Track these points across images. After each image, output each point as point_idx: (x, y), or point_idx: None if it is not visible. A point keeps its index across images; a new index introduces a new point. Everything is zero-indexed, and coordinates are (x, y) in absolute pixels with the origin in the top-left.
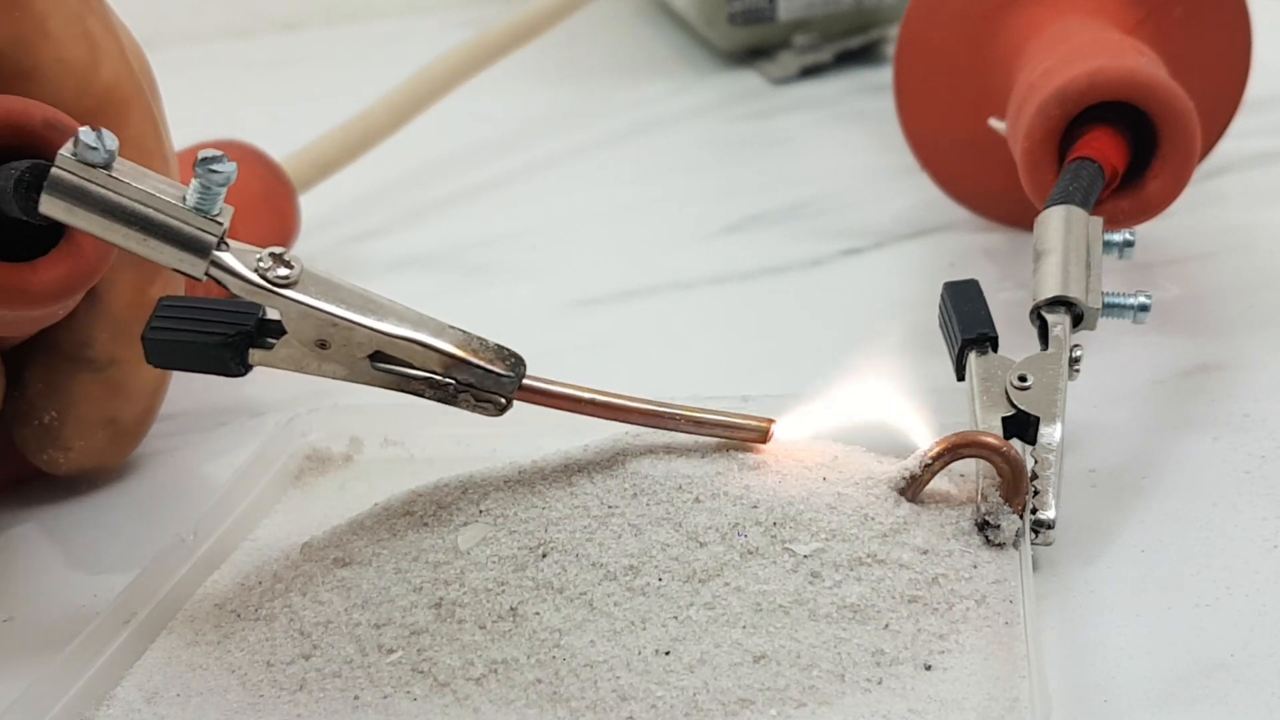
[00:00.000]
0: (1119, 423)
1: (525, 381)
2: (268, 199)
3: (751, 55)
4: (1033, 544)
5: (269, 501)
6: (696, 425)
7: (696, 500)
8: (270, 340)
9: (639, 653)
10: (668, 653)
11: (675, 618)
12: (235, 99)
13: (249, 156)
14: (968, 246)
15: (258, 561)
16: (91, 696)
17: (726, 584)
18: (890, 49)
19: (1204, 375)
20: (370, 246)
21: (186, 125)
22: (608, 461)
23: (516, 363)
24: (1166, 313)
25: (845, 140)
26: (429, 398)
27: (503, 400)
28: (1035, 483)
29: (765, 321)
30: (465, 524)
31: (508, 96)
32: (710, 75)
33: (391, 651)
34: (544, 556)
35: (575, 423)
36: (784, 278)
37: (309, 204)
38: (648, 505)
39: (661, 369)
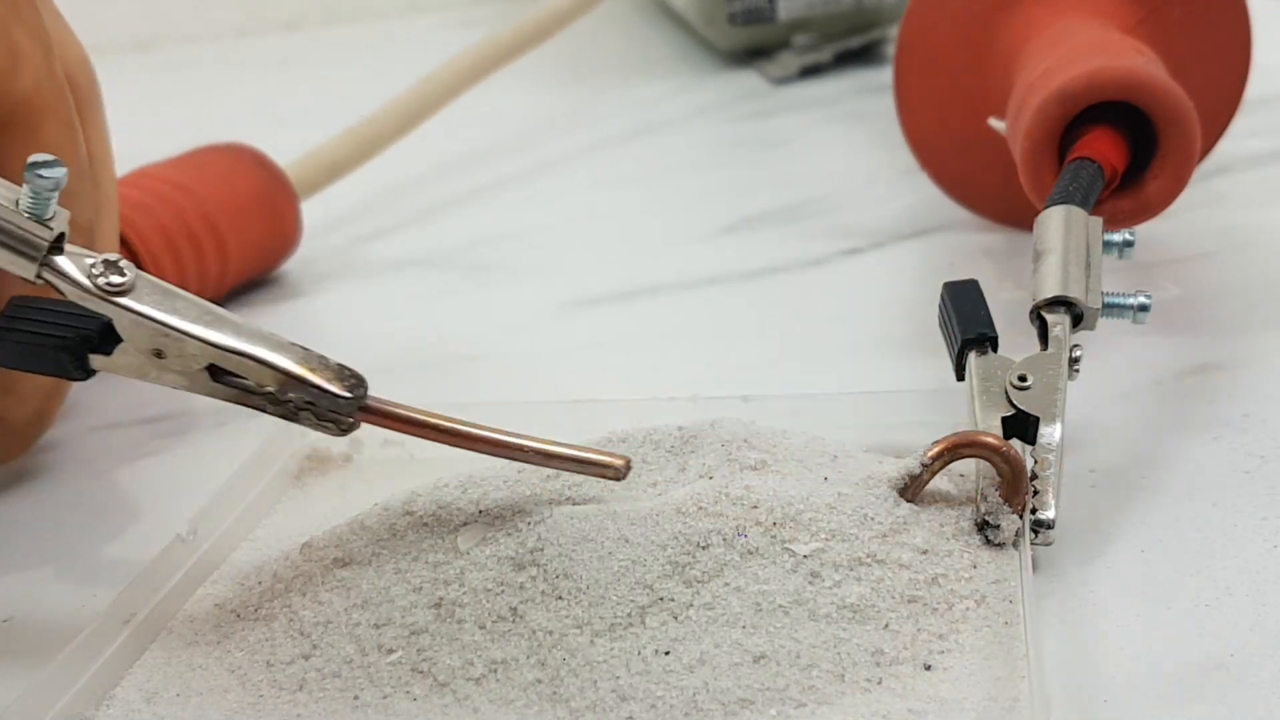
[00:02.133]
0: (1119, 423)
1: (368, 403)
2: (263, 201)
3: (751, 55)
4: (1032, 544)
5: (269, 501)
6: (545, 458)
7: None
8: (112, 346)
9: (639, 653)
10: (667, 653)
11: (675, 618)
12: (235, 99)
13: (245, 158)
14: (968, 246)
15: (258, 561)
16: (91, 696)
17: (726, 584)
18: (890, 49)
19: (1204, 375)
20: (371, 247)
21: (186, 125)
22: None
23: (356, 384)
24: (1166, 313)
25: (845, 140)
26: (271, 413)
27: (347, 420)
28: (1035, 483)
29: (765, 321)
30: (465, 524)
31: (508, 97)
32: (710, 75)
33: (391, 651)
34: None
35: (575, 422)
36: (784, 278)
37: (311, 205)
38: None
39: (661, 369)
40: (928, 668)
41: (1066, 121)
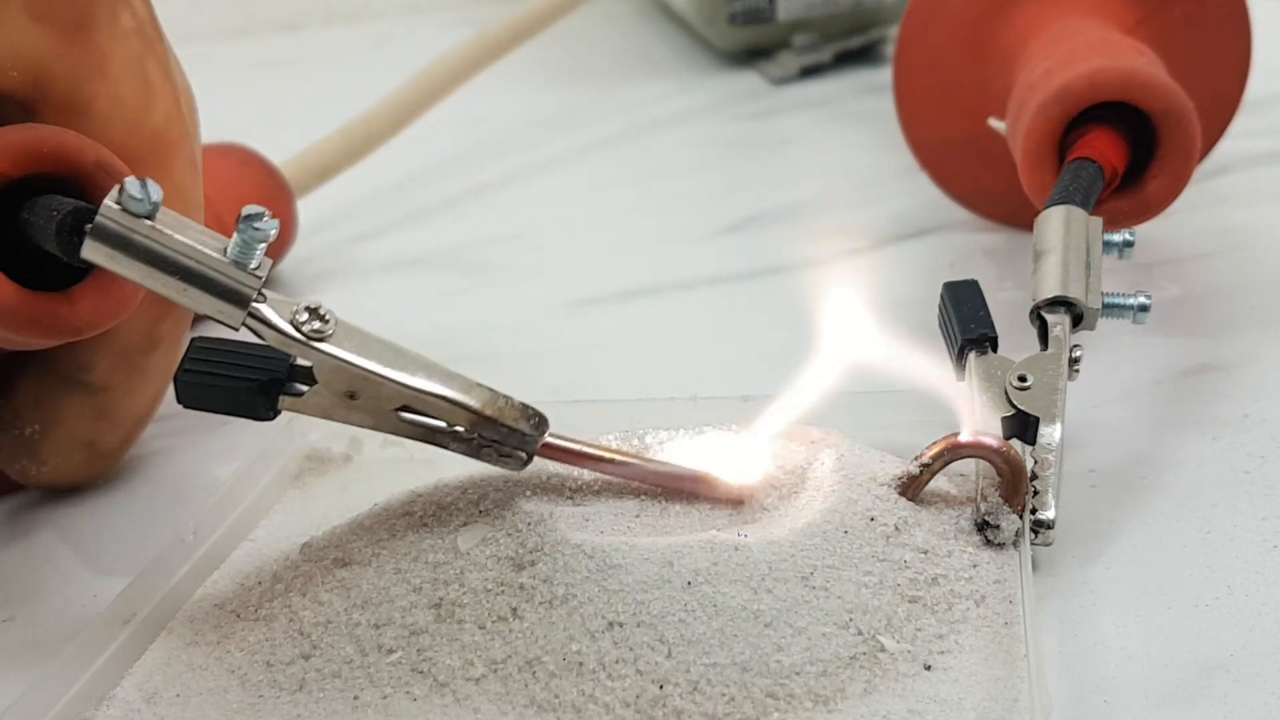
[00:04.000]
0: (1119, 423)
1: (548, 439)
2: (260, 200)
3: (751, 55)
4: (1032, 544)
5: (269, 501)
6: (709, 488)
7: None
8: (300, 387)
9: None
10: (668, 654)
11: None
12: (235, 99)
13: (252, 161)
14: (968, 246)
15: (258, 561)
16: (91, 696)
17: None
18: (890, 49)
19: (1204, 375)
20: (370, 247)
21: None
22: None
23: (540, 421)
24: (1166, 313)
25: (845, 140)
26: (454, 450)
27: (525, 456)
28: (1035, 483)
29: (765, 321)
30: (465, 524)
31: (507, 97)
32: (710, 75)
33: (391, 651)
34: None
35: (574, 423)
36: (784, 278)
37: (307, 205)
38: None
39: (661, 369)
40: (928, 668)
41: (1066, 121)
